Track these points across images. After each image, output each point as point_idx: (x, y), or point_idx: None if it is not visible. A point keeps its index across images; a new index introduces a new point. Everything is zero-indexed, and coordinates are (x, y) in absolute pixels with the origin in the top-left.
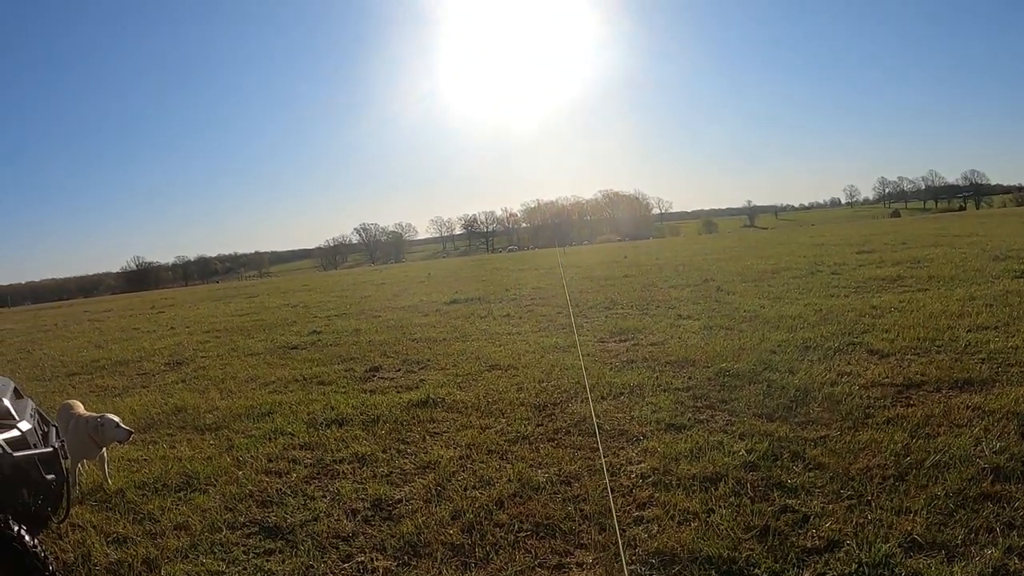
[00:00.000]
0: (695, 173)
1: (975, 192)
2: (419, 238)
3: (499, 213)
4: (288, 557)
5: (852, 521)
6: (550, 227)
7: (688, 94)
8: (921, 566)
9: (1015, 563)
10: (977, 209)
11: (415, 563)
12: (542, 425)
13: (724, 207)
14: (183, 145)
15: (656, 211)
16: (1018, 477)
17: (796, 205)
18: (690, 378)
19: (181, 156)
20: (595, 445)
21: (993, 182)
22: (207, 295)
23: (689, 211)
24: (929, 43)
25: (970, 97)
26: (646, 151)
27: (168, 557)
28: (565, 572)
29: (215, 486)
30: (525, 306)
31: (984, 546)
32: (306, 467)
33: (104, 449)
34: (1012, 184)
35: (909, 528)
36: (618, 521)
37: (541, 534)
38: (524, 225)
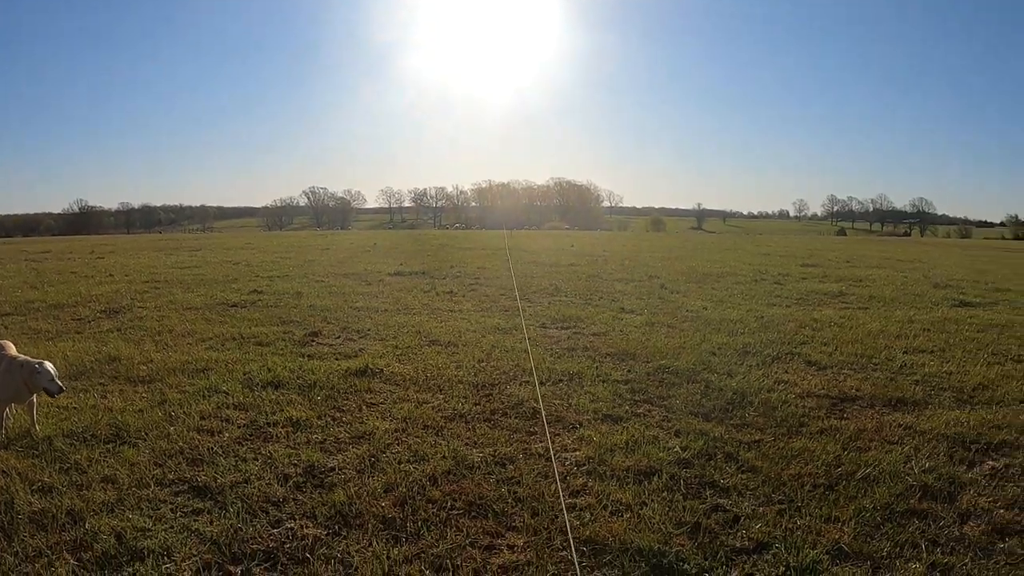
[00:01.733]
0: (648, 170)
1: (921, 220)
2: (367, 207)
3: (450, 190)
4: (216, 518)
5: (782, 525)
6: (499, 209)
7: (647, 89)
8: (847, 575)
9: None
10: (922, 236)
11: (345, 533)
12: (479, 404)
13: (674, 207)
14: (138, 95)
15: (606, 204)
16: (945, 496)
17: (745, 213)
18: (629, 371)
19: (134, 106)
20: (532, 428)
21: (940, 212)
22: (149, 245)
23: (639, 207)
24: (887, 72)
25: (923, 129)
26: (603, 142)
27: (94, 510)
28: (496, 553)
29: (145, 440)
30: (468, 284)
31: (909, 560)
32: (239, 428)
33: (35, 395)
34: (957, 216)
35: (837, 537)
36: (551, 507)
37: (473, 513)
38: (474, 204)
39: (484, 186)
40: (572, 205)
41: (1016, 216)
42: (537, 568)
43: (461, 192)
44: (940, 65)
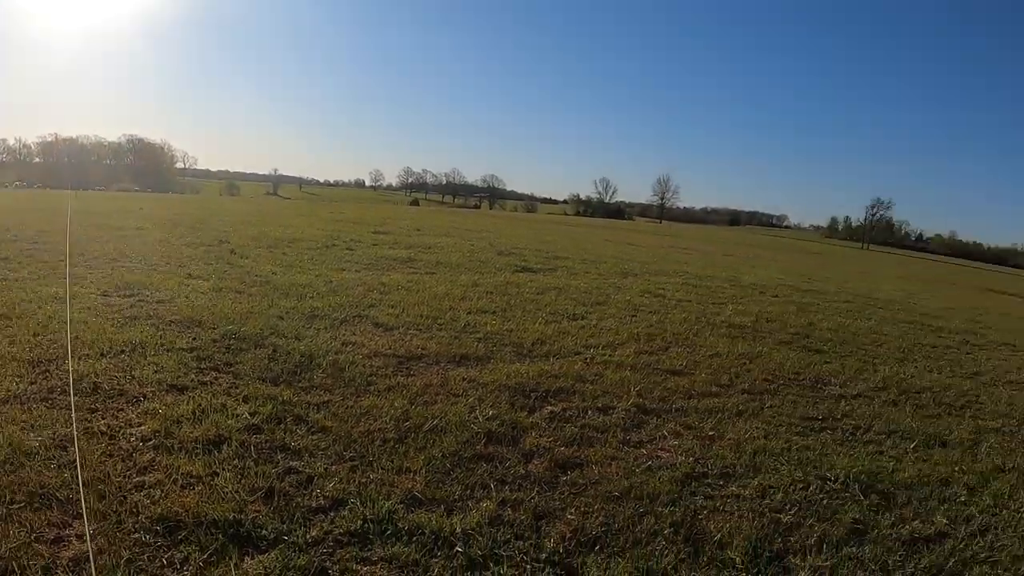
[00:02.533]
0: (224, 130)
1: (491, 194)
2: None
3: (12, 143)
4: None
5: (355, 481)
6: (67, 166)
7: (225, 47)
8: (422, 520)
9: (508, 513)
10: (491, 209)
11: None
12: (36, 383)
13: (250, 171)
14: None
15: (180, 165)
16: (508, 440)
17: (321, 180)
18: (195, 339)
19: None
20: (93, 405)
21: (509, 188)
22: None
23: (214, 170)
24: (449, 56)
25: (496, 113)
26: (180, 100)
27: None
28: (65, 545)
29: None
30: (26, 250)
31: (480, 500)
32: None
33: None
34: (525, 193)
35: (410, 486)
36: (119, 488)
37: (36, 505)
38: (38, 160)
39: (50, 140)
40: (145, 166)
41: (577, 195)
42: (111, 555)
43: (25, 145)
44: (506, 52)
